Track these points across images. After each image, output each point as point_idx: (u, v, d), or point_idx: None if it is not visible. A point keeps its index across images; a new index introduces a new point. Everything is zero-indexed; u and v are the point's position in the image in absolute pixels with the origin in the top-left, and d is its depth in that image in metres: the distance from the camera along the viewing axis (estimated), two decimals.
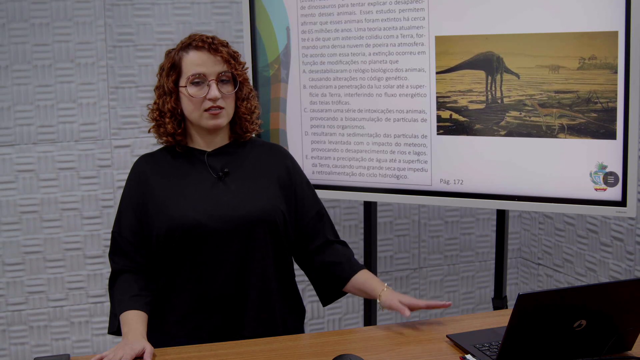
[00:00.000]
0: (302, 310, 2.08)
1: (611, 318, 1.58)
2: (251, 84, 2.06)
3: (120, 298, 1.90)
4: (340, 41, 2.57)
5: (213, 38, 1.96)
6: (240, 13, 2.93)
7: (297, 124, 2.68)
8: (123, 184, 3.07)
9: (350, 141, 2.61)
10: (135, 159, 3.08)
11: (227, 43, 1.99)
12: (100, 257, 3.11)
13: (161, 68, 1.98)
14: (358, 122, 2.59)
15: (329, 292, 2.05)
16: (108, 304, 3.12)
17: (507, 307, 2.72)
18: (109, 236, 3.08)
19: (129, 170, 3.09)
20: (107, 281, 3.10)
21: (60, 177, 3.05)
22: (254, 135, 2.07)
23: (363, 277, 1.99)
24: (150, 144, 3.10)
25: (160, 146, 2.05)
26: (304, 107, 2.66)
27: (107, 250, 3.09)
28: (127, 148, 3.09)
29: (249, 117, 2.01)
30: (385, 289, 1.92)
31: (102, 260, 3.11)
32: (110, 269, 2.00)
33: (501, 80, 2.37)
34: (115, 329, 1.92)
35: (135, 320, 1.83)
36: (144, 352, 1.72)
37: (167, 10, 3.07)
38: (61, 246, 3.08)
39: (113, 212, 3.10)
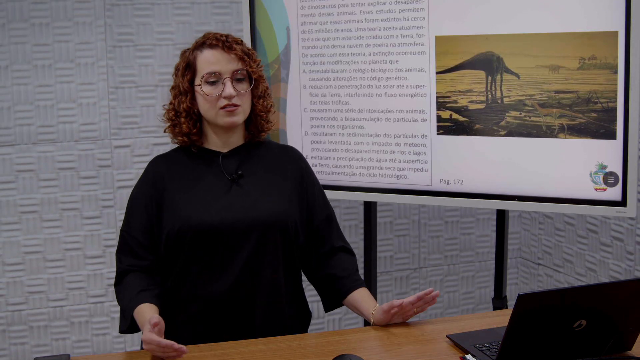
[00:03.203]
0: (308, 314, 2.07)
1: (611, 318, 1.58)
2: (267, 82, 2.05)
3: (129, 296, 1.88)
4: (340, 41, 2.57)
5: (227, 36, 1.95)
6: (240, 13, 2.93)
7: (297, 124, 2.68)
8: (123, 184, 3.11)
9: (350, 141, 2.61)
10: (135, 159, 3.12)
11: (242, 41, 1.99)
12: (100, 257, 3.11)
13: (176, 68, 1.98)
14: (358, 122, 2.59)
15: (330, 303, 2.06)
16: (108, 303, 3.15)
17: (507, 307, 2.72)
18: (109, 236, 3.12)
19: (129, 170, 3.13)
20: (107, 281, 3.14)
21: (60, 177, 3.05)
22: (268, 134, 2.07)
23: (358, 297, 1.98)
24: (150, 144, 3.11)
25: (172, 147, 2.04)
26: (304, 107, 2.66)
27: (107, 250, 3.12)
28: (127, 148, 3.09)
29: (265, 115, 2.01)
30: (374, 311, 1.91)
31: (102, 261, 3.11)
32: (114, 268, 1.99)
33: (501, 80, 2.37)
34: (125, 327, 1.90)
35: (147, 312, 1.82)
36: (156, 323, 1.69)
37: (167, 10, 3.07)
38: (61, 246, 3.08)
39: (113, 212, 3.11)
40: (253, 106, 1.99)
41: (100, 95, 3.05)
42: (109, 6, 3.01)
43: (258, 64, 1.99)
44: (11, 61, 2.96)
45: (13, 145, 3.00)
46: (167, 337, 1.87)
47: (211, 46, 1.93)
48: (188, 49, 1.97)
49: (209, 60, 1.92)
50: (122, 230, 1.96)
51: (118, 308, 3.29)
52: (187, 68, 1.94)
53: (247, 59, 1.95)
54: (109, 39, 3.03)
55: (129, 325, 1.89)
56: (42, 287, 3.08)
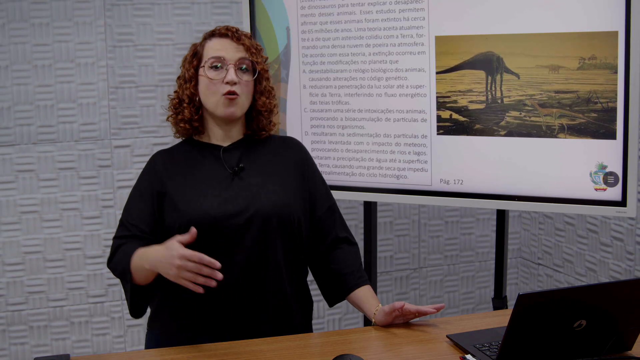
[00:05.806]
0: (310, 305, 2.07)
1: (611, 318, 1.58)
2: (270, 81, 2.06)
3: (123, 256, 1.83)
4: (340, 41, 2.57)
5: (237, 29, 1.99)
6: (240, 13, 2.93)
7: (297, 124, 2.68)
8: (123, 184, 3.11)
9: (350, 141, 2.61)
10: (135, 159, 3.12)
11: (251, 36, 2.02)
12: (100, 257, 3.11)
13: (184, 58, 2.01)
14: (358, 122, 2.59)
15: (332, 298, 2.06)
16: (108, 303, 3.15)
17: (507, 307, 2.72)
18: (109, 236, 3.10)
19: (129, 170, 3.13)
20: (107, 281, 3.14)
21: (60, 177, 3.05)
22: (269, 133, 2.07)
23: (360, 296, 1.98)
24: (150, 143, 3.11)
25: (173, 144, 2.05)
26: (304, 107, 2.66)
27: (107, 250, 3.10)
28: (127, 148, 3.09)
29: (267, 114, 2.02)
30: (376, 312, 1.91)
31: (102, 261, 3.11)
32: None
33: (501, 80, 2.37)
34: (134, 307, 1.85)
35: (153, 247, 1.76)
36: (194, 235, 1.67)
37: (167, 10, 3.07)
38: (61, 246, 3.08)
39: (113, 212, 3.11)
40: (255, 102, 2.00)
41: (100, 95, 3.05)
42: (109, 6, 3.01)
43: (265, 60, 2.02)
44: (11, 61, 2.96)
45: (13, 145, 3.00)
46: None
47: (220, 35, 1.97)
48: (198, 42, 2.01)
49: (216, 47, 1.95)
50: (121, 219, 1.94)
51: (118, 308, 3.30)
52: (194, 56, 1.98)
53: (254, 51, 1.97)
54: (109, 39, 3.03)
55: (130, 286, 1.81)
56: (42, 287, 3.08)
